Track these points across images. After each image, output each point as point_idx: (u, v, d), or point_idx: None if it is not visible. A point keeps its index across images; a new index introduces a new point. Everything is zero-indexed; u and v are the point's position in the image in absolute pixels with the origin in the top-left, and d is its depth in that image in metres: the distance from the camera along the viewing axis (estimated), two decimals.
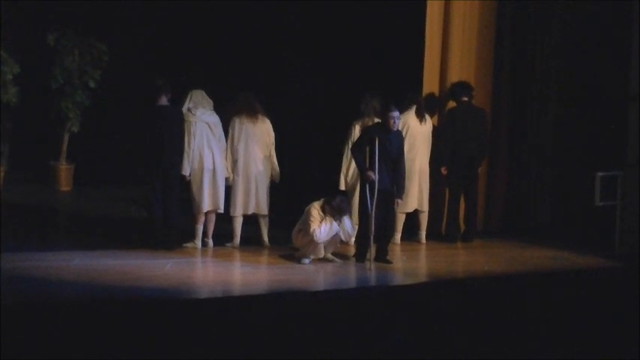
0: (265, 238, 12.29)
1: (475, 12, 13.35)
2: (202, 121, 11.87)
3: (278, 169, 12.29)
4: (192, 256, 11.72)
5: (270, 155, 12.24)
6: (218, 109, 12.05)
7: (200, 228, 12.00)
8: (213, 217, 12.05)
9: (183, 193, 11.96)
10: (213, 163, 11.90)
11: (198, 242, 12.02)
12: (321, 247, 11.55)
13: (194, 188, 11.89)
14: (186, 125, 11.82)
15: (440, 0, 13.18)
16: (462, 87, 13.06)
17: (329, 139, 13.58)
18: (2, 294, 9.22)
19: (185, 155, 11.79)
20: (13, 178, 15.72)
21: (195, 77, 13.91)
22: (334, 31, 14.97)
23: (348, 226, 11.55)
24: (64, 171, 15.77)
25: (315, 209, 11.41)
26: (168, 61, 15.79)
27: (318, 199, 11.51)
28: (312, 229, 11.31)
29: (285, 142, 12.63)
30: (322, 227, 11.33)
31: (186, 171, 11.82)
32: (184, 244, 11.98)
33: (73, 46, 15.43)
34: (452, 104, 13.11)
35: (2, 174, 15.25)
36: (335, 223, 11.38)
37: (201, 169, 11.85)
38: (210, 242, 12.10)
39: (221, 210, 12.01)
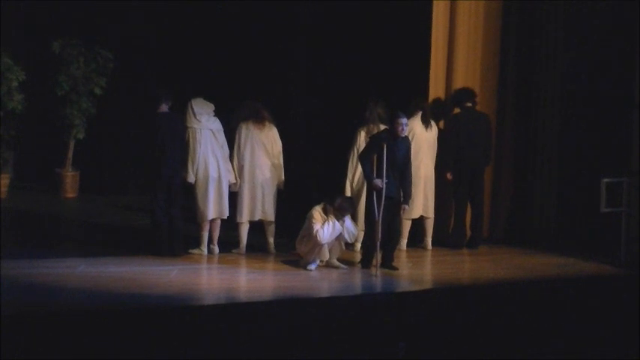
0: (271, 244, 12.28)
1: (480, 14, 13.34)
2: (207, 128, 11.88)
3: (283, 177, 12.28)
4: (197, 263, 11.71)
5: (277, 163, 12.23)
6: (220, 115, 12.05)
7: (205, 235, 11.98)
8: (218, 224, 12.04)
9: (187, 199, 11.96)
10: (218, 170, 11.90)
11: (204, 248, 12.01)
12: (326, 249, 11.54)
13: (199, 196, 11.88)
14: (191, 132, 11.81)
15: (445, 0, 13.17)
16: (466, 93, 13.05)
17: (334, 145, 13.58)
18: (6, 301, 9.21)
19: (190, 162, 11.78)
20: (19, 185, 15.74)
21: (198, 84, 13.93)
22: (338, 34, 14.96)
23: (350, 226, 11.52)
24: (70, 178, 15.76)
25: (317, 211, 11.42)
26: (173, 69, 15.81)
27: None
28: (315, 230, 11.30)
29: (289, 148, 12.61)
30: (325, 227, 11.32)
31: (191, 178, 11.80)
32: (190, 251, 11.97)
33: (79, 54, 15.44)
34: (456, 110, 13.11)
35: (7, 181, 15.26)
36: (337, 224, 11.37)
37: (207, 177, 11.83)
38: (217, 248, 12.08)
39: (225, 216, 12.00)
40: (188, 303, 9.98)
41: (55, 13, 15.91)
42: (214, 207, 11.89)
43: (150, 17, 16.33)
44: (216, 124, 11.97)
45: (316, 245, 11.40)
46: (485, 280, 11.57)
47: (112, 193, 15.91)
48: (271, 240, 12.29)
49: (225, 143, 12.03)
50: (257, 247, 12.28)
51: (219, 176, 11.90)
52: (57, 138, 15.76)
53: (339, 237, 11.50)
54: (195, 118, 11.86)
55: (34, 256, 11.45)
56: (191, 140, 11.81)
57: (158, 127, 11.69)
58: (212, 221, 11.97)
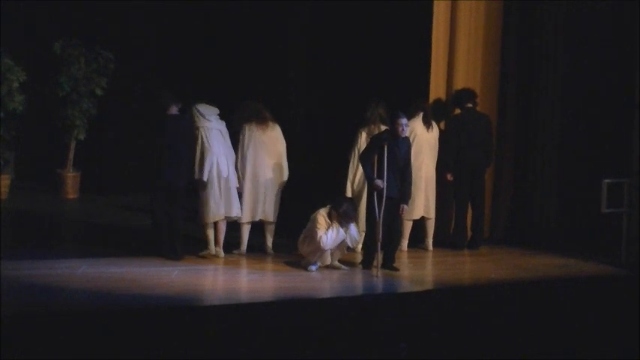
0: (269, 245, 12.27)
1: (481, 14, 13.34)
2: (216, 128, 11.89)
3: (285, 177, 12.26)
4: (198, 264, 11.71)
5: (280, 163, 12.22)
6: (220, 116, 12.05)
7: (211, 233, 11.95)
8: (224, 226, 11.99)
9: (188, 199, 11.96)
10: (228, 170, 11.90)
11: (212, 247, 11.98)
12: (328, 253, 11.54)
13: (210, 195, 11.81)
14: (202, 132, 11.78)
15: (446, 0, 13.18)
16: (466, 93, 13.05)
17: (334, 145, 13.58)
18: (7, 301, 9.22)
19: (203, 161, 11.72)
20: (19, 186, 15.74)
21: (198, 84, 13.94)
22: (338, 34, 14.97)
23: (354, 232, 11.54)
24: (71, 179, 15.77)
25: (322, 216, 11.41)
26: (173, 69, 15.82)
27: (324, 206, 11.51)
28: (318, 236, 11.30)
29: (289, 148, 12.61)
30: (329, 234, 11.32)
31: (204, 177, 11.77)
32: (200, 253, 11.92)
33: (79, 54, 15.44)
34: (457, 111, 13.12)
35: (8, 181, 15.27)
36: (341, 230, 11.37)
37: (219, 177, 11.82)
38: (222, 252, 12.03)
39: (238, 215, 11.95)
40: (189, 304, 9.99)
41: (55, 14, 15.93)
42: (223, 206, 11.87)
43: (150, 17, 16.35)
44: (223, 125, 11.99)
45: (318, 249, 11.40)
46: (486, 280, 11.57)
47: (113, 193, 15.92)
48: (270, 240, 12.27)
49: (230, 143, 12.04)
50: (258, 248, 12.28)
51: (229, 176, 11.91)
52: (58, 139, 15.76)
53: (342, 242, 11.50)
54: (205, 118, 11.85)
55: (34, 257, 11.45)
56: (203, 140, 11.79)
57: (165, 128, 11.65)
58: (218, 224, 11.95)
